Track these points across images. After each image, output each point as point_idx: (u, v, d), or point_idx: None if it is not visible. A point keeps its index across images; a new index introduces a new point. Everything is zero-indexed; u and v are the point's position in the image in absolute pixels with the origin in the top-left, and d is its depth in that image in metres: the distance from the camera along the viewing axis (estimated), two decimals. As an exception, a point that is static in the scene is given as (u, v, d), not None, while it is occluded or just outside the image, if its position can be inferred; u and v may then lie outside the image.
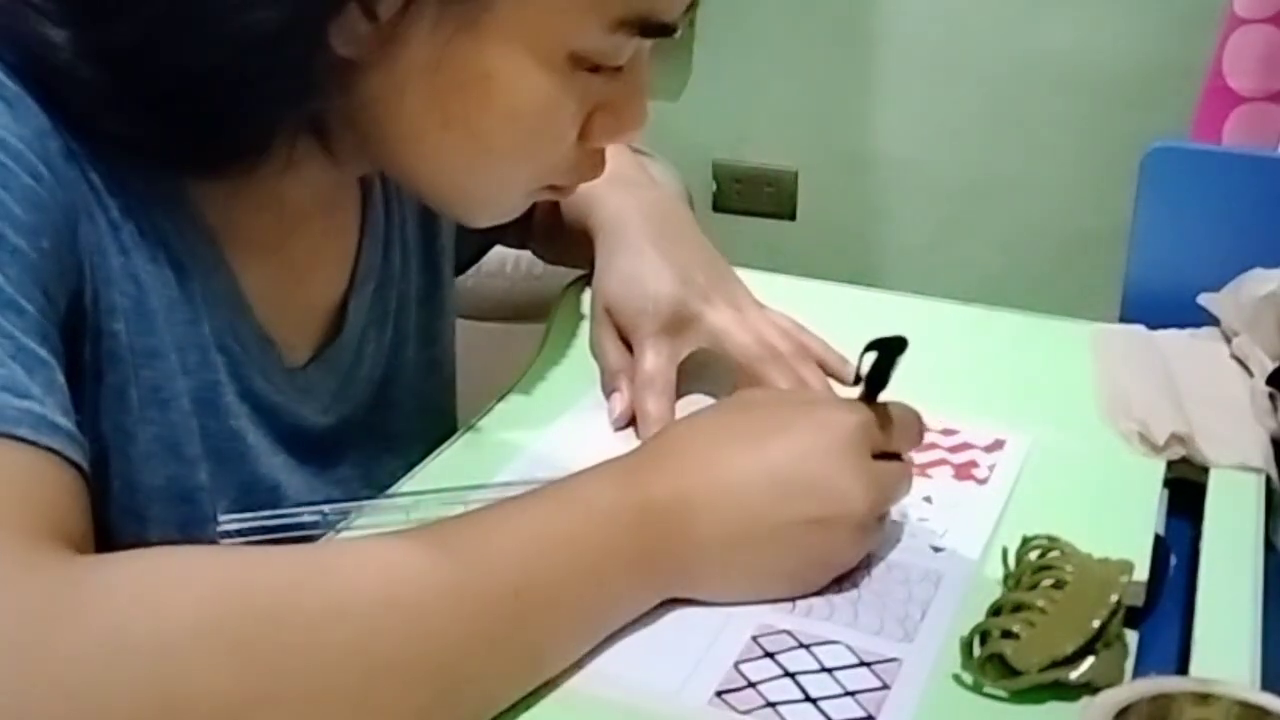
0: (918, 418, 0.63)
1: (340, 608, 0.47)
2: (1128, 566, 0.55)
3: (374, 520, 0.62)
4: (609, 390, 0.75)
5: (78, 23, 0.54)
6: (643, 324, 0.73)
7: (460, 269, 0.93)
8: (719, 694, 0.52)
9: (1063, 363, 0.80)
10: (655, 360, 0.72)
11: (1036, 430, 0.72)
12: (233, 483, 0.65)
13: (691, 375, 0.75)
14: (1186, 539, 0.64)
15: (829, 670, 0.54)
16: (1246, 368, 0.78)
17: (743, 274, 0.79)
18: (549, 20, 0.56)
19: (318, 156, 0.62)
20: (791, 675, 0.53)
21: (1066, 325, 0.85)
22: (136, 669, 0.42)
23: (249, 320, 0.65)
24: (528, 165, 0.62)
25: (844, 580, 0.59)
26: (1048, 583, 0.55)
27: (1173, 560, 0.62)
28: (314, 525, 0.61)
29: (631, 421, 0.73)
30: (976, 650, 0.53)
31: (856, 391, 0.62)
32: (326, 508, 0.62)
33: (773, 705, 0.52)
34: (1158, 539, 0.62)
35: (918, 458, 0.69)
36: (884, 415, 0.61)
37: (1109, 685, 0.47)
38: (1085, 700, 0.46)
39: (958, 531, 0.63)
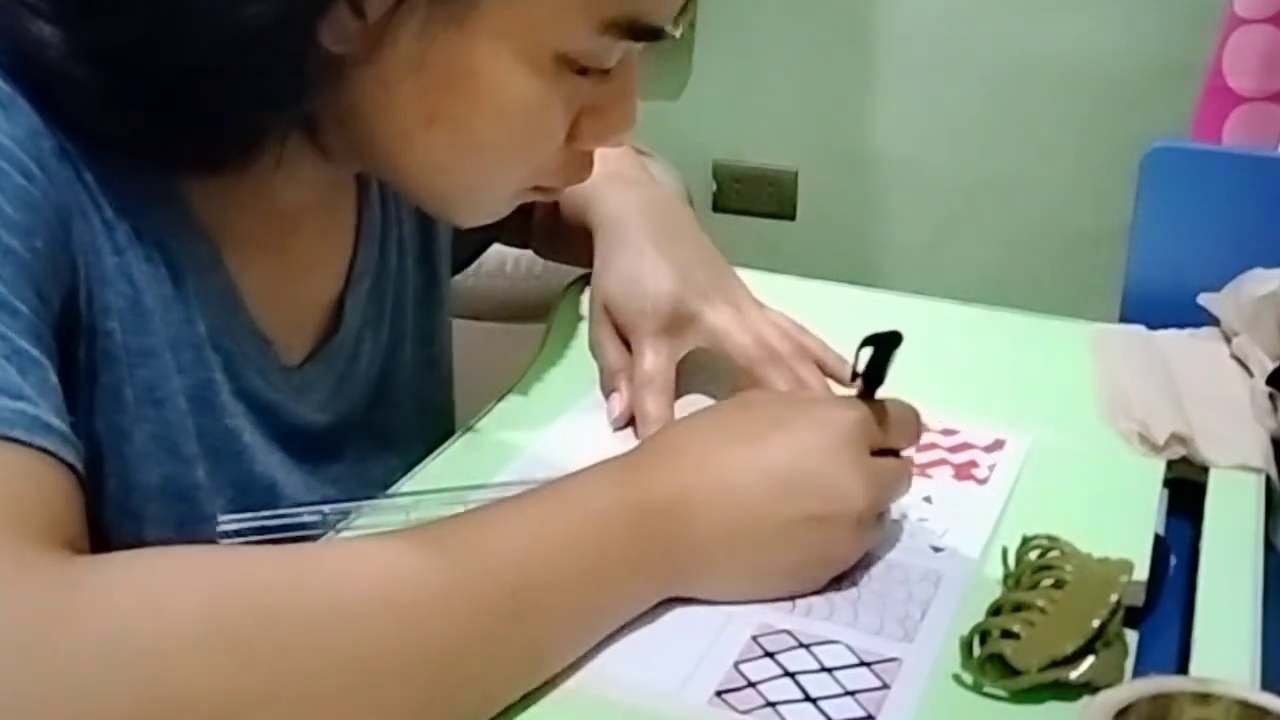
0: (916, 414, 0.63)
1: (338, 607, 0.47)
2: (1128, 566, 0.55)
3: (374, 520, 0.62)
4: (608, 390, 0.75)
5: (70, 21, 0.54)
6: (641, 323, 0.73)
7: (459, 267, 0.93)
8: (719, 694, 0.52)
9: (1063, 363, 0.80)
10: (654, 360, 0.72)
11: (1036, 430, 0.72)
12: (229, 481, 0.65)
13: (691, 375, 0.75)
14: (1186, 539, 0.64)
15: (829, 670, 0.54)
16: (1246, 368, 0.78)
17: (743, 274, 0.79)
18: (536, 21, 0.56)
19: (309, 154, 0.62)
20: (791, 675, 0.53)
21: (1066, 325, 0.85)
22: (135, 669, 0.42)
23: (244, 318, 0.65)
24: (514, 165, 0.62)
25: (844, 580, 0.59)
26: (1048, 583, 0.55)
27: (1173, 560, 0.62)
28: (314, 525, 0.61)
29: (631, 421, 0.73)
30: (976, 650, 0.53)
31: (854, 389, 0.62)
32: (326, 508, 0.62)
33: (773, 705, 0.52)
34: (1158, 539, 0.62)
35: (918, 458, 0.69)
36: (882, 412, 0.61)
37: (1109, 685, 0.47)
38: (1085, 700, 0.46)
39: (958, 531, 0.63)
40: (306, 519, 0.61)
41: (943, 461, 0.70)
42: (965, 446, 0.71)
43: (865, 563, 0.60)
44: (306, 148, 0.62)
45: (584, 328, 0.81)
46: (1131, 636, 0.54)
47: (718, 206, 2.23)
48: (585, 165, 0.65)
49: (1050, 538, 0.58)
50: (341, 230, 0.72)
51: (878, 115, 2.11)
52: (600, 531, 0.54)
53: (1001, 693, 0.52)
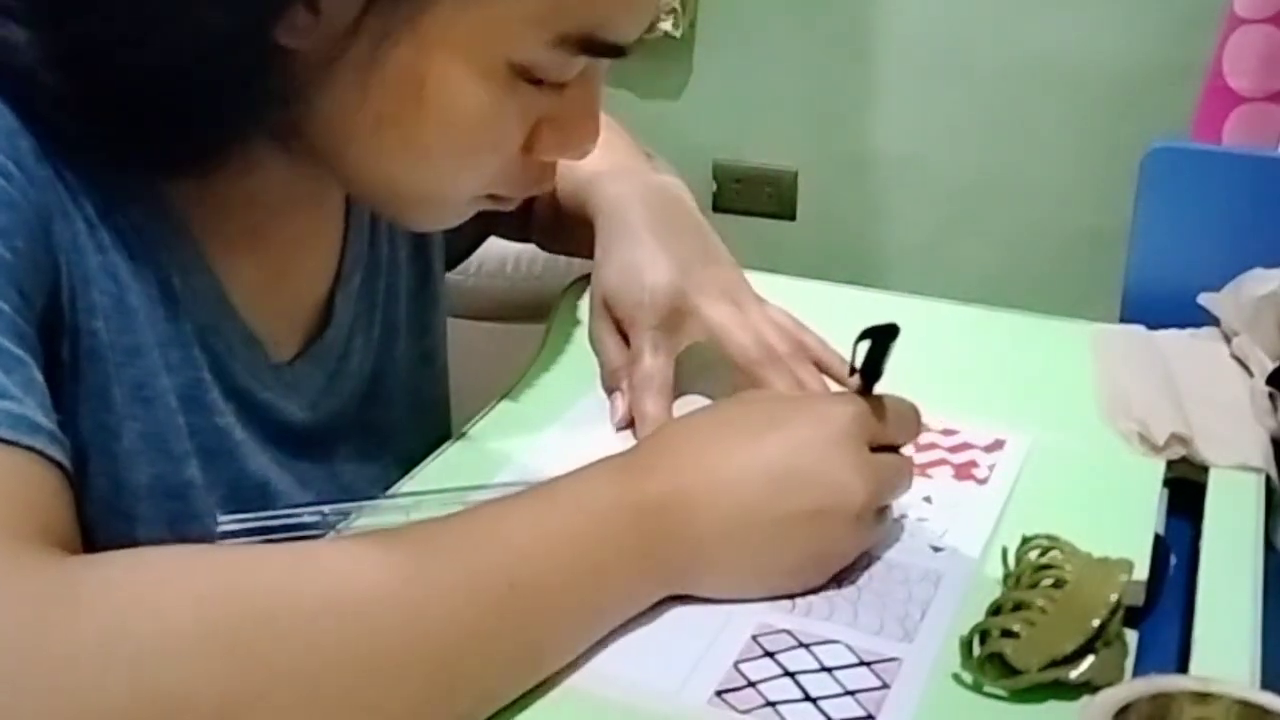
0: (915, 411, 0.63)
1: (335, 606, 0.47)
2: (1128, 566, 0.55)
3: (374, 520, 0.62)
4: (609, 389, 0.75)
5: (40, 25, 0.54)
6: (640, 317, 0.73)
7: (455, 261, 0.93)
8: (719, 693, 0.52)
9: (1063, 363, 0.80)
10: (653, 358, 0.72)
11: (1036, 430, 0.72)
12: (221, 480, 0.65)
13: (690, 376, 0.75)
14: (1186, 539, 0.64)
15: (829, 670, 0.54)
16: (1246, 368, 0.78)
17: (743, 274, 0.79)
18: (490, 30, 0.56)
19: (278, 156, 0.62)
20: (791, 675, 0.53)
21: (1066, 325, 0.85)
22: (132, 669, 0.42)
23: (232, 317, 0.64)
24: (465, 173, 0.62)
25: (844, 580, 0.59)
26: (1048, 582, 0.55)
27: (1173, 560, 0.62)
28: (314, 525, 0.61)
29: (633, 422, 0.73)
30: (976, 650, 0.53)
31: (853, 384, 0.62)
32: (326, 508, 0.62)
33: (773, 705, 0.52)
34: (1158, 539, 0.62)
35: (918, 458, 0.69)
36: (881, 408, 0.61)
37: (1109, 684, 0.47)
38: (1085, 699, 0.46)
39: (958, 531, 0.63)
40: (306, 519, 0.61)
41: (943, 461, 0.70)
42: (965, 446, 0.71)
43: (865, 563, 0.60)
44: (273, 150, 0.62)
45: (584, 328, 0.81)
46: (1131, 636, 0.54)
47: (718, 206, 2.23)
48: (545, 176, 0.65)
49: (1050, 538, 0.58)
50: (329, 226, 0.72)
51: (878, 115, 2.11)
52: (598, 530, 0.54)
53: (1001, 692, 0.52)
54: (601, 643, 0.55)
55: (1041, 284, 1.95)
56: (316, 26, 0.55)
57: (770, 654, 0.55)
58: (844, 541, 0.59)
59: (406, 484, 0.68)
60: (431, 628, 0.48)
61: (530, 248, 1.54)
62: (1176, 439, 0.69)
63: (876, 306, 0.88)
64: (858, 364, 0.60)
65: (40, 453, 0.49)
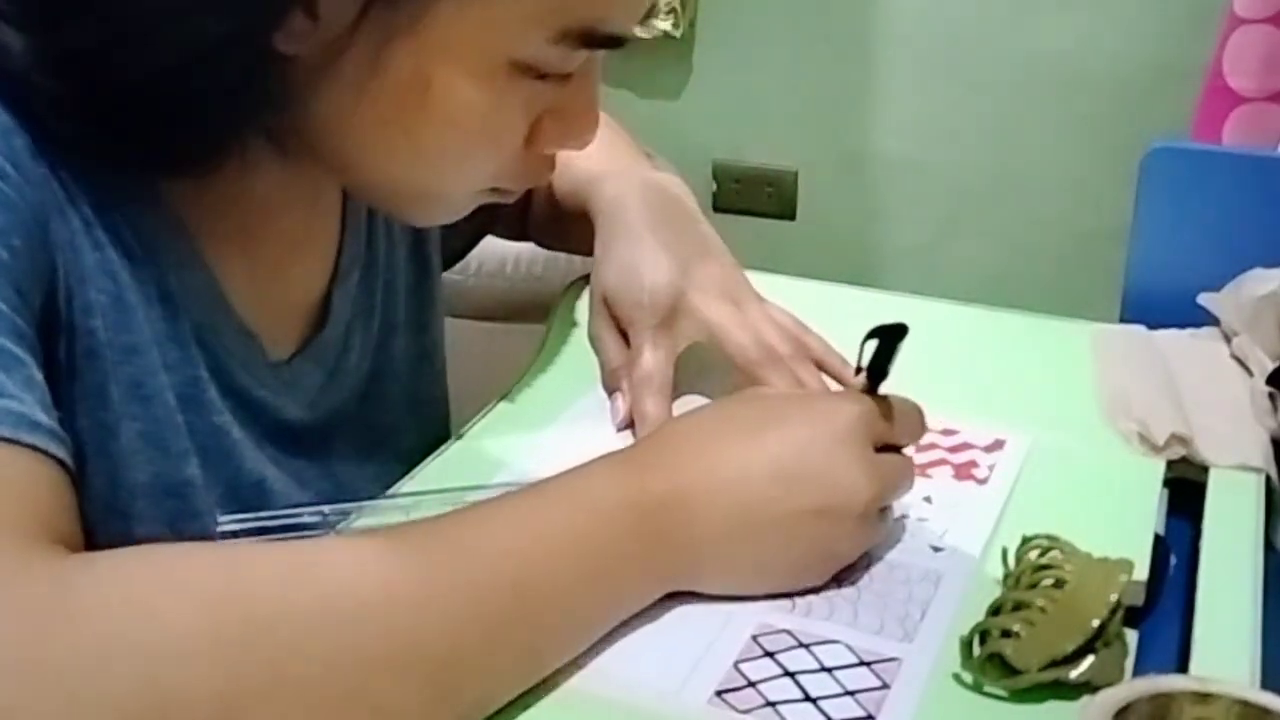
0: (919, 412, 0.63)
1: (336, 607, 0.47)
2: (1128, 566, 0.55)
3: (374, 520, 0.62)
4: (610, 389, 0.75)
5: (34, 28, 0.54)
6: (639, 317, 0.73)
7: (453, 259, 0.93)
8: (719, 694, 0.52)
9: (1063, 363, 0.80)
10: (653, 358, 0.72)
11: (1036, 430, 0.72)
12: (220, 478, 0.65)
13: (690, 376, 0.75)
14: (1186, 539, 0.64)
15: (829, 670, 0.54)
16: (1246, 368, 0.78)
17: (743, 274, 0.79)
18: (490, 29, 0.56)
19: (274, 157, 0.62)
20: (791, 675, 0.53)
21: (1066, 325, 0.85)
22: (132, 670, 0.42)
23: (228, 315, 0.65)
24: (469, 170, 0.62)
25: (844, 580, 0.59)
26: (1048, 582, 0.55)
27: (1173, 560, 0.62)
28: (314, 525, 0.61)
29: (633, 422, 0.73)
30: (976, 650, 0.53)
31: (858, 383, 0.62)
32: (327, 508, 0.62)
33: (773, 705, 0.52)
34: (1158, 539, 0.62)
35: (918, 458, 0.69)
36: (886, 407, 0.61)
37: (1109, 684, 0.47)
38: (1085, 699, 0.46)
39: (958, 531, 0.63)
40: (307, 519, 0.61)
41: (943, 461, 0.70)
42: (965, 446, 0.71)
43: (865, 563, 0.60)
44: (269, 151, 0.62)
45: (584, 329, 0.81)
46: (1131, 636, 0.54)
47: (718, 206, 2.23)
48: (546, 168, 0.65)
49: (1050, 538, 0.58)
50: (325, 225, 0.72)
51: (878, 115, 2.11)
52: (601, 530, 0.54)
53: (1001, 692, 0.52)
54: (602, 643, 0.55)
55: (1041, 284, 1.95)
56: (315, 31, 0.55)
57: (770, 654, 0.55)
58: (847, 541, 0.59)
59: (406, 484, 0.68)
60: (433, 628, 0.48)
61: (530, 247, 1.54)
62: (1176, 439, 0.69)
63: (876, 306, 0.88)
64: (864, 363, 0.60)
65: (42, 450, 0.49)
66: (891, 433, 0.61)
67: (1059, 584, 0.54)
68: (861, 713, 0.51)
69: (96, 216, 0.57)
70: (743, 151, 2.21)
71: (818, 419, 0.59)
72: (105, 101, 0.55)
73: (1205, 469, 0.68)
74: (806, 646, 0.55)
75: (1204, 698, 0.44)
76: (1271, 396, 0.75)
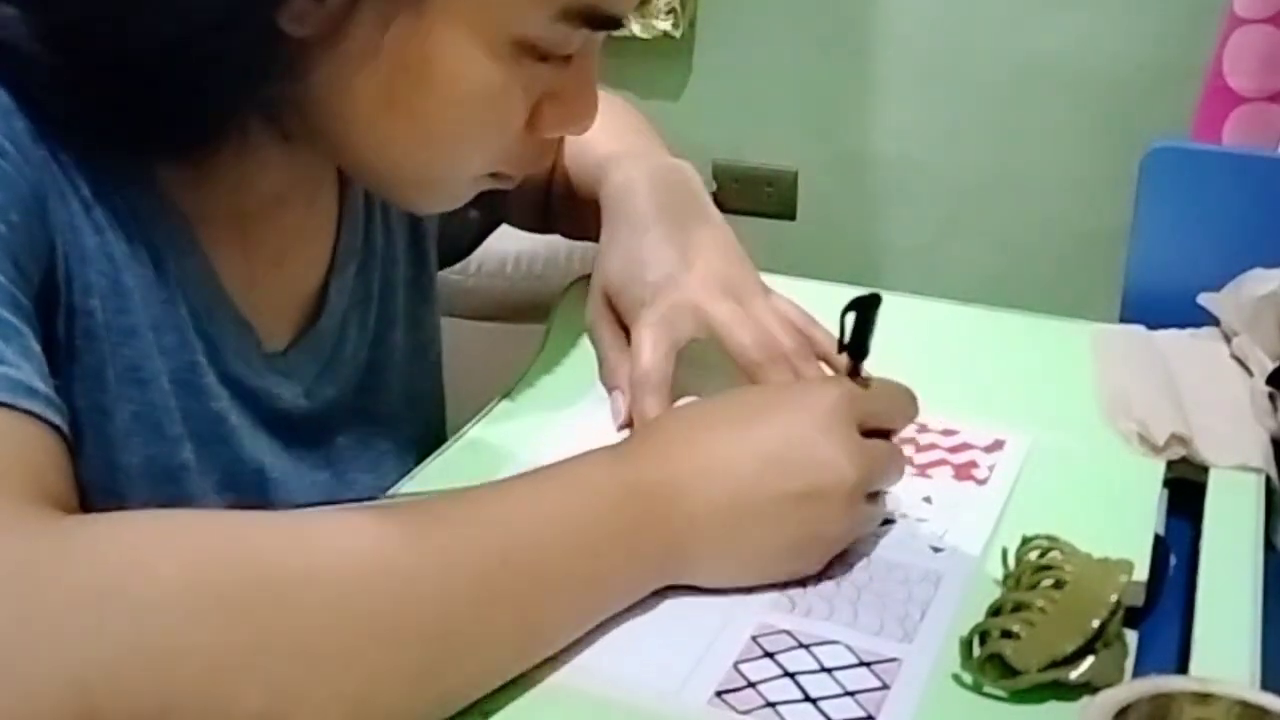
0: (909, 394, 0.64)
1: (327, 569, 0.47)
2: (1128, 566, 0.55)
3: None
4: (609, 385, 0.74)
5: (29, 2, 0.54)
6: (640, 312, 0.73)
7: (463, 254, 0.93)
8: (719, 694, 0.52)
9: (1063, 363, 0.80)
10: (652, 355, 0.71)
11: (1036, 430, 0.72)
12: (216, 464, 0.65)
13: (690, 375, 0.74)
14: (1186, 539, 0.64)
15: (829, 670, 0.54)
16: (1246, 368, 0.78)
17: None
18: (494, 7, 0.56)
19: (274, 141, 0.62)
20: (791, 675, 0.53)
21: (1066, 325, 0.85)
22: (125, 626, 0.43)
23: (225, 304, 0.65)
24: (472, 151, 0.62)
25: (844, 580, 0.59)
26: (1048, 583, 0.55)
27: (1173, 560, 0.62)
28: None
29: (633, 421, 0.72)
30: (976, 650, 0.53)
31: (842, 362, 0.62)
32: (331, 509, 0.62)
33: (772, 705, 0.52)
34: (1158, 539, 0.62)
35: (918, 458, 0.69)
36: (874, 391, 0.61)
37: (1108, 685, 0.47)
38: (1085, 700, 0.46)
39: (958, 531, 0.63)
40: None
41: (943, 461, 0.70)
42: (965, 446, 0.71)
43: (865, 563, 0.61)
44: (269, 133, 0.62)
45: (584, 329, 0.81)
46: (1131, 636, 0.54)
47: (718, 206, 2.23)
48: (545, 151, 0.65)
49: (1050, 538, 0.58)
50: (323, 216, 0.72)
51: (878, 115, 2.11)
52: (590, 507, 0.55)
53: (1001, 693, 0.52)
54: (601, 642, 0.55)
55: (1041, 284, 1.95)
56: (319, 10, 0.55)
57: (770, 654, 0.55)
58: (836, 523, 0.59)
59: (407, 484, 0.68)
60: (425, 598, 0.49)
61: (530, 247, 1.54)
62: (1176, 439, 0.69)
63: (876, 306, 0.88)
64: (846, 340, 0.61)
65: (38, 416, 0.50)
66: (877, 416, 0.61)
67: (1059, 584, 0.54)
68: (861, 713, 0.51)
69: (96, 199, 0.58)
70: (743, 151, 2.21)
71: (802, 404, 0.60)
72: (103, 77, 0.55)
73: (1205, 469, 0.68)
74: (806, 647, 0.55)
75: (1204, 698, 0.44)
76: (1271, 396, 0.75)
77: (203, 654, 0.44)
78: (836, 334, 0.72)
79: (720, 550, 0.58)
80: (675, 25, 2.09)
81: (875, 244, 2.19)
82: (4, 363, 0.49)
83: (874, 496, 0.61)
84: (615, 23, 0.59)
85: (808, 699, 0.52)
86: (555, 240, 1.08)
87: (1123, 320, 0.87)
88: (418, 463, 0.71)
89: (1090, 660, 0.51)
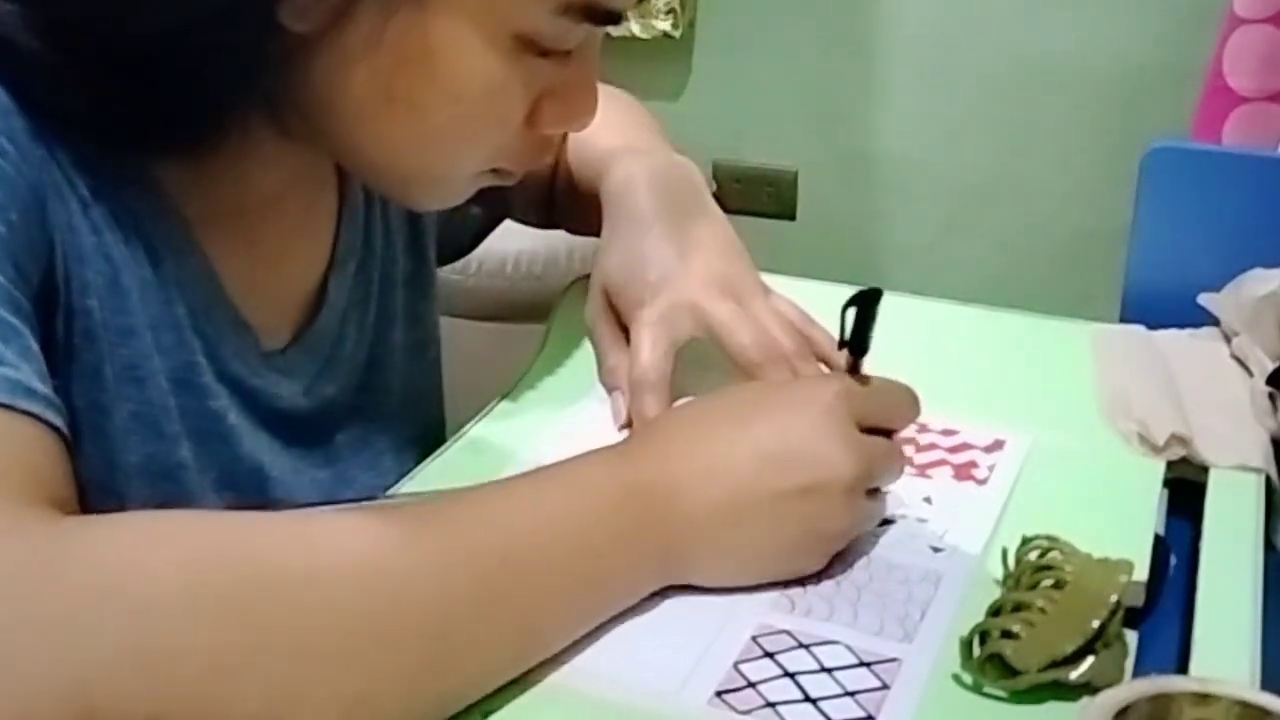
0: (910, 394, 0.64)
1: (327, 572, 0.47)
2: (1128, 566, 0.55)
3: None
4: (609, 385, 0.74)
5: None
6: (639, 312, 0.72)
7: (464, 250, 0.93)
8: (719, 694, 0.52)
9: (1063, 363, 0.80)
10: (651, 355, 0.71)
11: (1036, 430, 0.72)
12: (215, 463, 0.65)
13: (690, 374, 0.74)
14: (1186, 539, 0.64)
15: (829, 670, 0.54)
16: (1246, 368, 0.78)
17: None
18: (495, 1, 0.56)
19: (272, 137, 0.62)
20: (791, 675, 0.53)
21: (1066, 325, 0.85)
22: (123, 626, 0.43)
23: (223, 303, 0.65)
24: (472, 147, 0.62)
25: (844, 580, 0.59)
26: (1047, 583, 0.55)
27: (1173, 560, 0.62)
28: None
29: (633, 421, 0.72)
30: (976, 650, 0.53)
31: (842, 359, 0.62)
32: (330, 509, 0.62)
33: (772, 705, 0.52)
34: (1158, 539, 0.62)
35: (918, 458, 0.69)
36: (873, 388, 0.62)
37: (1109, 685, 0.47)
38: (1085, 700, 0.46)
39: (958, 531, 0.63)
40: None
41: (943, 462, 0.70)
42: (965, 447, 0.71)
43: (865, 563, 0.61)
44: (268, 130, 0.62)
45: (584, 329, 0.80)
46: (1131, 636, 0.54)
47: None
48: (545, 148, 0.65)
49: (1050, 538, 0.58)
50: (322, 215, 0.72)
51: (878, 115, 2.11)
52: (590, 507, 0.55)
53: (1001, 693, 0.52)
54: (601, 642, 0.55)
55: (1041, 284, 1.96)
56: (319, 4, 0.55)
57: (770, 654, 0.55)
58: (836, 519, 0.59)
59: (407, 484, 0.68)
60: (423, 598, 0.49)
61: (529, 247, 1.54)
62: (1176, 439, 0.69)
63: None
64: (846, 335, 0.61)
65: (37, 417, 0.50)
66: (877, 413, 0.61)
67: (1059, 584, 0.54)
68: (861, 713, 0.51)
69: (94, 199, 0.58)
70: (743, 151, 2.21)
71: (801, 401, 0.60)
72: (103, 72, 0.55)
73: (1205, 469, 0.68)
74: (806, 647, 0.55)
75: (1204, 698, 0.44)
76: (1271, 396, 0.75)
77: (201, 655, 0.44)
78: (836, 334, 0.73)
79: (721, 549, 0.58)
80: (675, 25, 2.09)
81: (875, 244, 2.19)
82: (3, 364, 0.49)
83: (874, 493, 0.61)
84: (616, 17, 0.60)
85: (808, 699, 0.52)
86: (555, 240, 1.08)
87: (1123, 320, 0.87)
88: (417, 461, 0.71)
89: (1090, 660, 0.51)
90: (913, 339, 0.79)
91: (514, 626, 0.52)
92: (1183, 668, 0.54)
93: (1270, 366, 0.76)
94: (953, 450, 0.71)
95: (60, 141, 0.56)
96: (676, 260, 0.73)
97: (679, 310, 0.72)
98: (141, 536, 0.46)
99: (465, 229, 0.90)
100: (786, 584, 0.59)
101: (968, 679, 0.53)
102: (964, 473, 0.69)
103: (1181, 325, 0.83)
